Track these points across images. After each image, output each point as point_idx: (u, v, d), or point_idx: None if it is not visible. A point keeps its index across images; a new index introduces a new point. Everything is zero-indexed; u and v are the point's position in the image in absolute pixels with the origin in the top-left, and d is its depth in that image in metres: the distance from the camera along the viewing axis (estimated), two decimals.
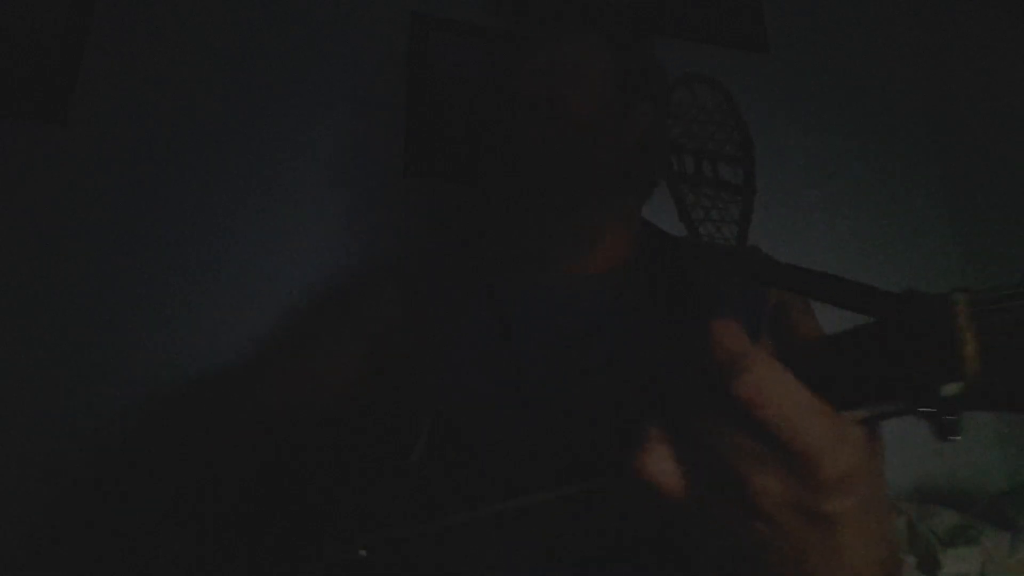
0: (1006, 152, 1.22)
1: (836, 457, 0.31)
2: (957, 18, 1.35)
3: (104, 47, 1.01)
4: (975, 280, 1.24)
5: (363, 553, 0.44)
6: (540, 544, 0.51)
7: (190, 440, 0.75)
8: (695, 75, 0.74)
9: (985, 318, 0.29)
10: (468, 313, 0.73)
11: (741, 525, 0.33)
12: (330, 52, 1.10)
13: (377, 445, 0.51)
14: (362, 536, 0.44)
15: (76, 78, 0.98)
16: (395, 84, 1.11)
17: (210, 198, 0.99)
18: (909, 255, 1.25)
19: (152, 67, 1.02)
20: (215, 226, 0.98)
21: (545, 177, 0.72)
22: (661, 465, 0.33)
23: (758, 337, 0.71)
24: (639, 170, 0.75)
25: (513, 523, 0.41)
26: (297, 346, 0.82)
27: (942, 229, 1.29)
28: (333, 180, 1.05)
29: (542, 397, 0.66)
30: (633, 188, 0.77)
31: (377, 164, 1.07)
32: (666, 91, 0.80)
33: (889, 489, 0.34)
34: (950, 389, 0.29)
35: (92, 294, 0.92)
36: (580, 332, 0.71)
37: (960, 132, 1.31)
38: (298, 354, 0.80)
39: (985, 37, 1.29)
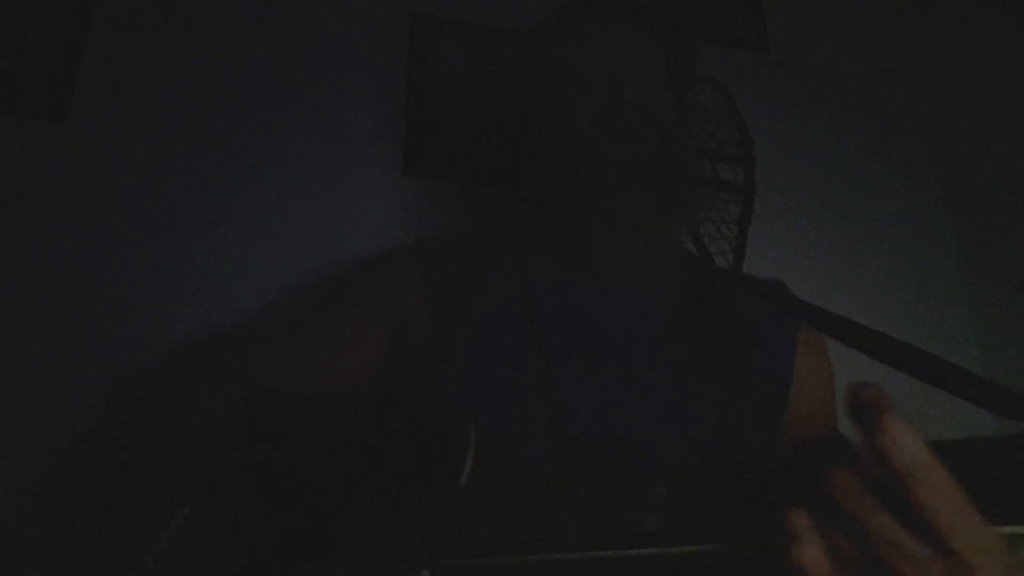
0: (1006, 152, 1.22)
1: (995, 570, 0.32)
2: (957, 18, 1.35)
3: (104, 47, 1.01)
4: (976, 281, 1.24)
5: (426, 574, 0.43)
6: None
7: (206, 437, 0.75)
8: (695, 75, 0.74)
9: None
10: (495, 306, 0.71)
11: None
12: (330, 51, 1.10)
13: (419, 458, 0.50)
14: (424, 557, 0.43)
15: (76, 77, 0.98)
16: (395, 84, 1.11)
17: (209, 197, 0.99)
18: (909, 255, 1.25)
19: (152, 66, 1.02)
20: (215, 225, 0.98)
21: (651, 190, 0.69)
22: (815, 557, 0.34)
23: (789, 378, 0.71)
24: (687, 168, 0.74)
25: (596, 571, 0.40)
26: (317, 328, 0.79)
27: (942, 229, 1.29)
28: (333, 179, 1.04)
29: (578, 410, 0.64)
30: (687, 192, 0.75)
31: (377, 163, 1.07)
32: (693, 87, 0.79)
33: None
34: None
35: (92, 291, 0.92)
36: (617, 341, 0.69)
37: (960, 132, 1.31)
38: (319, 336, 0.75)
39: (986, 37, 1.29)
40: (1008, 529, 0.32)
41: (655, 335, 0.70)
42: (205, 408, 0.70)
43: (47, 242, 0.92)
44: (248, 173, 1.01)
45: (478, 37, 1.15)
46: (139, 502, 0.74)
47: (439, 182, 1.08)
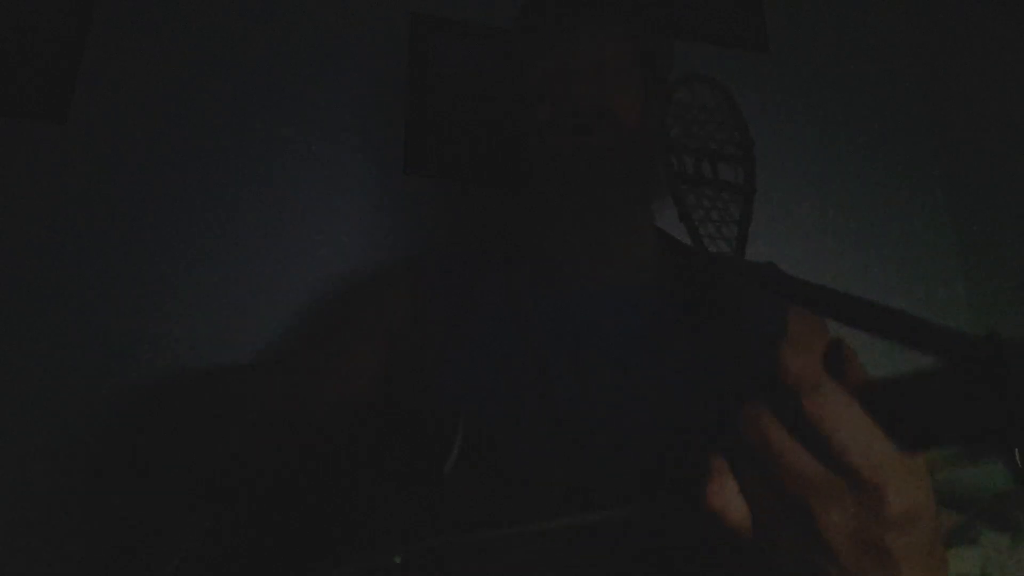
0: (1006, 152, 1.22)
1: (903, 490, 0.31)
2: (958, 18, 1.35)
3: (104, 47, 1.01)
4: (976, 281, 1.24)
5: (398, 560, 0.43)
6: (581, 563, 0.50)
7: (200, 439, 0.75)
8: (695, 75, 0.74)
9: None
10: (488, 310, 0.72)
11: (804, 555, 0.32)
12: (330, 51, 1.10)
13: (408, 453, 0.51)
14: (397, 543, 0.43)
15: (76, 77, 0.98)
16: (395, 84, 1.11)
17: (209, 198, 0.99)
18: (909, 255, 1.25)
19: (152, 66, 1.02)
20: (214, 226, 0.98)
21: (605, 182, 0.71)
22: (727, 496, 0.33)
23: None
24: (656, 165, 0.76)
25: (556, 541, 0.40)
26: (312, 342, 0.80)
27: (942, 229, 1.29)
28: (333, 178, 1.04)
29: (569, 406, 0.64)
30: (654, 184, 0.77)
31: (377, 163, 1.07)
32: (669, 80, 0.80)
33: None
34: None
35: (92, 292, 0.92)
36: (605, 339, 0.70)
37: (960, 132, 1.31)
38: (314, 350, 0.78)
39: (986, 37, 1.29)
40: (920, 454, 0.31)
41: (646, 332, 0.71)
42: (215, 429, 0.70)
43: (47, 242, 0.92)
44: (248, 173, 1.01)
45: (478, 37, 1.15)
46: (141, 505, 0.74)
47: (439, 182, 1.08)
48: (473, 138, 1.10)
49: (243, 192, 1.01)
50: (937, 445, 0.31)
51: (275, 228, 1.00)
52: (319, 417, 0.66)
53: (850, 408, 0.31)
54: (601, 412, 0.65)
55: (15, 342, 0.88)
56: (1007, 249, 1.20)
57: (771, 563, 0.34)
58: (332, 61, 1.09)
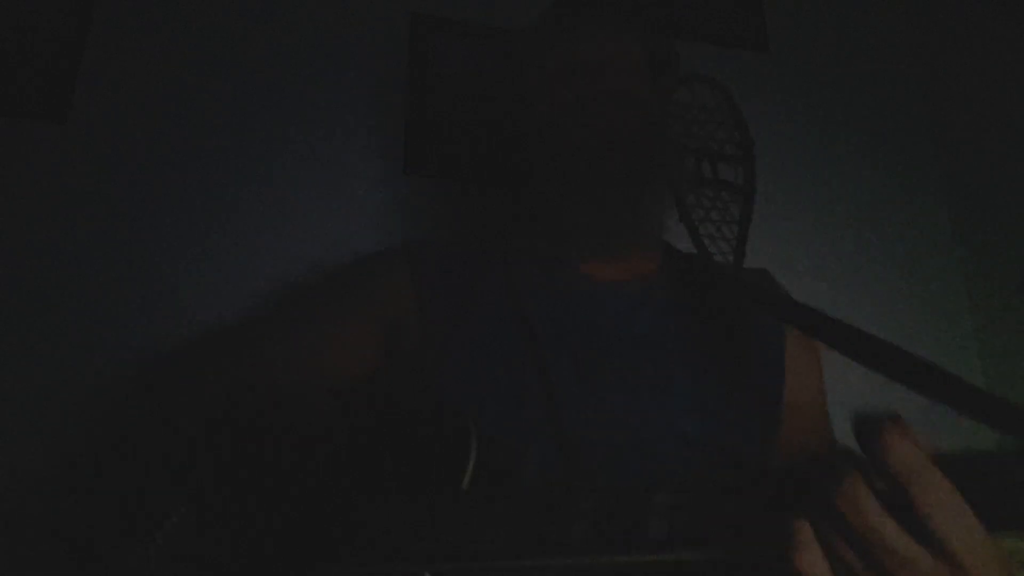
0: (1006, 152, 1.22)
1: (993, 570, 0.32)
2: (957, 18, 1.35)
3: (104, 47, 1.01)
4: (976, 281, 1.23)
5: None
6: None
7: (200, 438, 0.75)
8: (695, 75, 0.74)
9: None
10: (489, 309, 0.71)
11: None
12: (330, 51, 1.10)
13: (424, 463, 0.50)
14: (427, 561, 0.43)
15: (76, 77, 0.98)
16: (395, 84, 1.11)
17: (209, 197, 0.99)
18: (908, 255, 1.25)
19: (152, 66, 1.02)
20: (215, 225, 0.98)
21: (606, 179, 0.71)
22: (816, 563, 0.34)
23: (782, 370, 0.71)
24: (667, 160, 0.75)
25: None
26: (305, 331, 0.79)
27: (942, 229, 1.29)
28: (333, 179, 1.04)
29: (572, 407, 0.64)
30: (656, 183, 0.77)
31: (377, 163, 1.07)
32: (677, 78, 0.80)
33: None
34: None
35: (92, 292, 0.92)
36: (608, 339, 0.69)
37: (960, 132, 1.31)
38: (307, 339, 0.75)
39: (986, 37, 1.29)
40: (1008, 542, 0.32)
41: (648, 333, 0.71)
42: (207, 404, 0.70)
43: (47, 242, 0.92)
44: (248, 173, 1.01)
45: (478, 37, 1.15)
46: (137, 500, 0.74)
47: (439, 182, 1.08)
48: (473, 138, 1.10)
49: (243, 192, 1.01)
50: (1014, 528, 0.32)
51: (275, 228, 1.00)
52: (319, 416, 0.66)
53: (953, 495, 0.32)
54: (605, 413, 0.65)
55: (15, 342, 0.88)
56: (1007, 249, 1.20)
57: None
58: (332, 61, 1.09)
